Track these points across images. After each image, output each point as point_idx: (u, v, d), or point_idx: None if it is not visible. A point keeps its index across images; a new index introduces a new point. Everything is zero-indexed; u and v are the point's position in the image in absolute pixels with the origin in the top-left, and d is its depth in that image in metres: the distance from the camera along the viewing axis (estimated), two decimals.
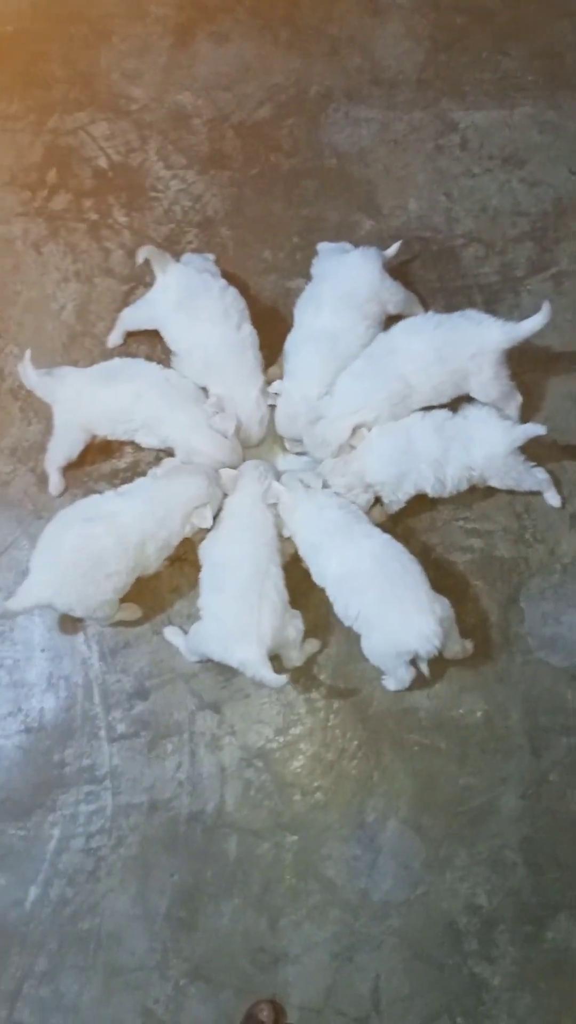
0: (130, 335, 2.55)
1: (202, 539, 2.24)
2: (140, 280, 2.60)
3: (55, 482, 2.40)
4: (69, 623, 2.30)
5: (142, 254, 2.33)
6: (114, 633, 2.30)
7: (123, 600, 2.21)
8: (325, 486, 2.24)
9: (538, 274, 2.63)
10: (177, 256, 2.46)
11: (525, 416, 2.37)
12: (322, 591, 2.15)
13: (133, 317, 2.50)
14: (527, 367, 2.40)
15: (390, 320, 2.40)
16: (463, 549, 2.35)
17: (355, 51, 2.94)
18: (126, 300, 2.60)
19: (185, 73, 2.92)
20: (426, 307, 2.54)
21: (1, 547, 2.38)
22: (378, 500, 2.30)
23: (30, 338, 2.57)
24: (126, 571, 2.13)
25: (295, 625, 2.10)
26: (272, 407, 2.37)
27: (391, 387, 2.25)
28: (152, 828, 2.14)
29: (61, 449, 2.37)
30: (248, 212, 2.73)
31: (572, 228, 2.68)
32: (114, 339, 2.55)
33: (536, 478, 2.30)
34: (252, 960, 2.04)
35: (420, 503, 2.31)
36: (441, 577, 2.26)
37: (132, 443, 2.39)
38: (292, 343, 2.39)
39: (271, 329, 2.41)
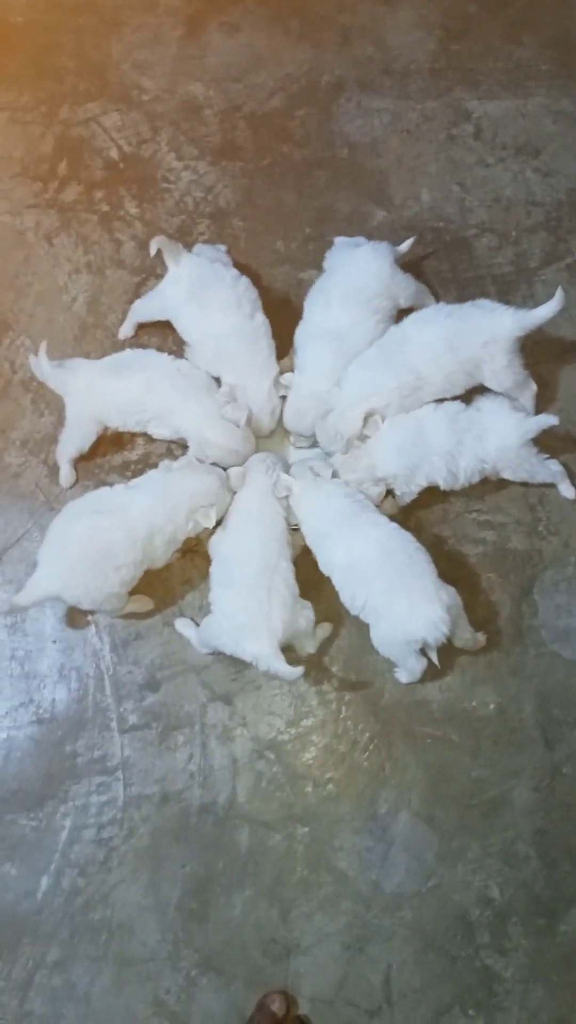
0: (141, 327, 2.55)
1: (210, 535, 2.23)
2: (152, 271, 2.60)
3: (66, 474, 2.40)
4: (80, 615, 2.30)
5: (154, 245, 2.33)
6: (125, 625, 2.30)
7: (134, 592, 2.20)
8: (334, 475, 2.24)
9: (552, 264, 2.61)
10: (189, 247, 2.45)
11: (540, 407, 2.35)
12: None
13: (145, 308, 2.49)
14: (541, 357, 2.39)
15: (402, 313, 2.38)
16: (476, 541, 2.33)
17: (367, 41, 2.92)
18: (138, 291, 2.60)
19: (196, 64, 2.92)
20: (438, 299, 2.52)
21: (12, 539, 2.39)
22: (390, 492, 2.29)
23: (42, 330, 2.57)
24: (134, 564, 2.12)
25: (306, 616, 2.09)
26: (283, 398, 2.36)
27: (402, 378, 2.23)
28: (163, 819, 2.14)
29: (73, 441, 2.37)
30: (260, 203, 2.72)
31: None
32: (125, 331, 2.55)
33: (550, 470, 2.29)
34: (263, 951, 2.04)
35: (432, 495, 2.30)
36: (453, 569, 2.26)
37: (143, 435, 2.39)
38: (301, 337, 2.38)
39: (283, 320, 2.40)
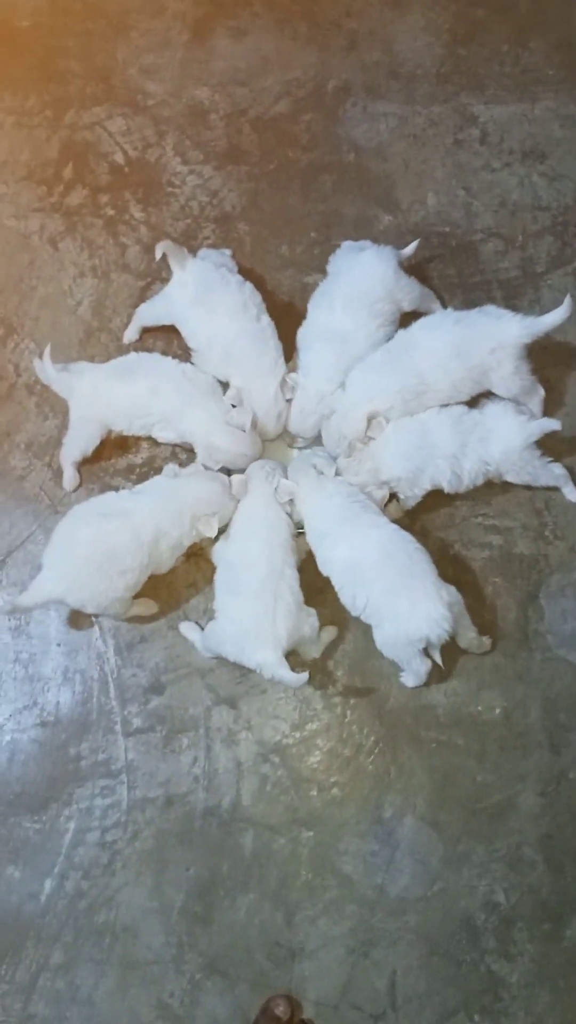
0: (146, 331, 2.55)
1: (213, 542, 2.24)
2: (157, 276, 2.60)
3: (69, 477, 2.40)
4: (84, 618, 2.30)
5: (160, 249, 2.33)
6: (130, 628, 2.30)
7: (139, 595, 2.20)
8: (337, 473, 2.25)
9: (559, 269, 2.61)
10: (194, 251, 2.45)
11: (547, 412, 2.35)
12: None
13: (150, 312, 2.50)
14: (548, 362, 2.39)
15: (407, 316, 2.38)
16: (482, 546, 2.33)
17: (373, 45, 2.92)
18: (142, 296, 2.60)
19: (202, 68, 2.92)
20: (444, 303, 2.52)
21: (17, 541, 2.39)
22: (394, 496, 2.29)
23: (46, 334, 2.57)
24: (139, 568, 2.12)
25: (310, 623, 2.10)
26: (289, 402, 2.36)
27: (406, 381, 2.24)
28: (168, 822, 2.14)
29: (77, 444, 2.37)
30: (265, 207, 2.72)
31: None
32: (130, 335, 2.55)
33: (553, 473, 2.29)
34: (268, 955, 2.04)
35: (438, 500, 2.30)
36: (459, 574, 2.26)
37: (148, 438, 2.39)
38: (304, 338, 2.39)
39: (288, 324, 2.40)
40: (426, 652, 2.08)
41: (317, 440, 2.41)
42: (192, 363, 2.38)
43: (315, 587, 2.15)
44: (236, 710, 2.22)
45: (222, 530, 2.22)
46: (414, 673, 2.12)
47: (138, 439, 2.43)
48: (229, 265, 2.45)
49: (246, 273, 2.44)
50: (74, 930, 2.07)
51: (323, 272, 2.46)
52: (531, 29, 2.91)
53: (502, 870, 2.07)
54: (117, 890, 2.10)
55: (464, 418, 2.24)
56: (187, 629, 2.26)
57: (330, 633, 2.21)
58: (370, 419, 2.24)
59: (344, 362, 2.31)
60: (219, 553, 2.20)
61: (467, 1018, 1.98)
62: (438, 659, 2.08)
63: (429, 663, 2.09)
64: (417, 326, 2.30)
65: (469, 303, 2.48)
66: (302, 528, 2.22)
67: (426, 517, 2.34)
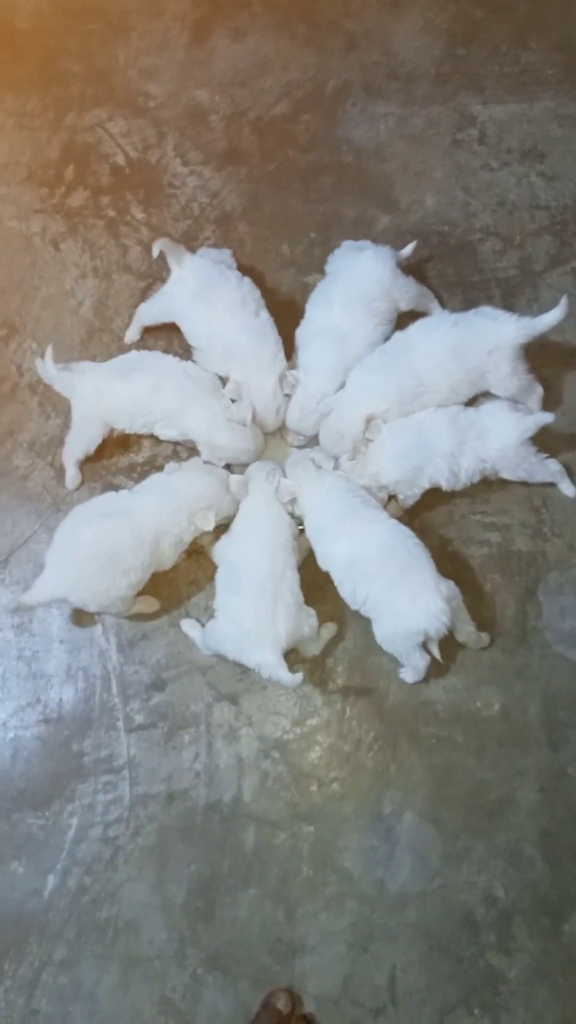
0: (147, 331, 2.56)
1: (213, 540, 2.25)
2: (157, 276, 2.61)
3: (71, 476, 2.42)
4: (87, 615, 2.32)
5: (157, 246, 2.35)
6: (132, 625, 2.31)
7: (141, 593, 2.22)
8: (335, 467, 2.27)
9: (557, 268, 2.62)
10: (195, 252, 2.46)
11: (545, 410, 2.34)
12: None
13: (150, 311, 2.51)
14: (546, 361, 2.39)
15: (404, 316, 2.40)
16: (480, 543, 2.34)
17: (372, 46, 2.94)
18: (143, 296, 2.62)
19: (202, 69, 2.94)
20: (443, 302, 2.54)
21: (20, 540, 2.40)
22: (392, 496, 2.31)
23: (48, 334, 2.59)
24: (142, 567, 2.14)
25: (310, 624, 2.11)
26: (288, 396, 2.37)
27: (404, 383, 2.25)
28: (169, 818, 2.15)
29: (79, 443, 2.38)
30: (265, 208, 2.73)
31: None
32: (131, 335, 2.57)
33: (549, 469, 2.30)
34: (269, 950, 2.05)
35: (437, 497, 2.31)
36: (458, 571, 2.27)
37: (150, 437, 2.41)
38: (302, 337, 2.40)
39: (288, 323, 2.41)
40: (425, 647, 2.09)
41: (316, 440, 2.43)
42: (193, 361, 2.39)
43: (315, 583, 2.17)
44: (237, 706, 2.23)
45: (224, 527, 2.23)
46: (413, 669, 2.14)
47: (139, 438, 2.45)
48: (228, 262, 2.46)
49: (246, 273, 2.45)
50: (77, 926, 2.09)
51: (323, 272, 2.47)
52: (530, 29, 2.92)
53: (501, 866, 2.08)
54: (119, 886, 2.11)
55: (460, 416, 2.25)
56: (188, 626, 2.27)
57: (330, 630, 2.22)
58: (368, 420, 2.26)
59: (342, 360, 2.33)
60: (220, 553, 2.22)
61: (467, 1013, 1.99)
62: (437, 654, 2.09)
63: (428, 659, 2.11)
64: (415, 328, 2.32)
65: (468, 302, 2.50)
66: (302, 525, 2.23)
67: (425, 515, 2.35)
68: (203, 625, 2.22)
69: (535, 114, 2.82)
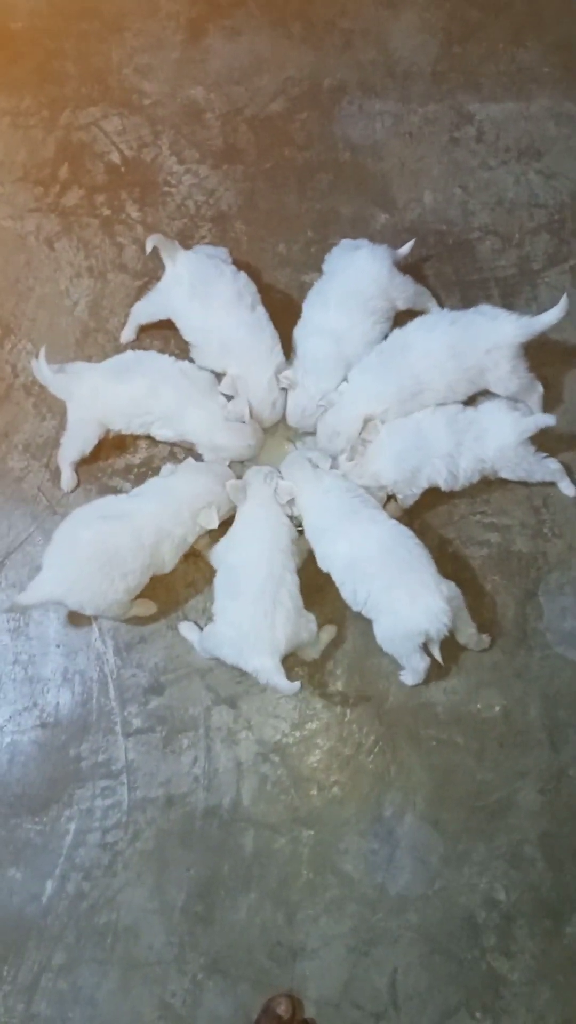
0: (143, 330, 2.55)
1: (210, 544, 2.24)
2: (153, 275, 2.59)
3: (67, 478, 2.40)
4: (83, 619, 2.30)
5: (150, 243, 2.33)
6: (129, 628, 2.30)
7: (138, 596, 2.20)
8: (333, 467, 2.26)
9: (556, 266, 2.61)
10: (190, 250, 2.45)
11: (546, 409, 2.34)
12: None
13: (145, 309, 2.49)
14: (545, 360, 2.39)
15: (402, 315, 2.39)
16: (480, 543, 2.33)
17: (369, 44, 2.92)
18: (139, 295, 2.59)
19: (198, 68, 2.92)
20: (441, 301, 2.53)
21: (15, 543, 2.39)
22: (391, 497, 2.30)
23: (43, 334, 2.57)
24: (140, 570, 2.12)
25: (309, 628, 2.10)
26: (284, 391, 2.36)
27: (402, 382, 2.24)
28: (168, 822, 2.14)
29: (75, 444, 2.36)
30: (262, 206, 2.72)
31: None
32: (127, 334, 2.55)
33: (548, 468, 2.29)
34: (269, 954, 2.04)
35: (437, 498, 2.30)
36: (458, 572, 2.26)
37: (146, 438, 2.39)
38: (299, 336, 2.39)
39: (285, 322, 2.40)
40: (426, 649, 2.08)
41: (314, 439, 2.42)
42: (190, 359, 2.38)
43: (315, 585, 2.15)
44: (236, 710, 2.22)
45: (221, 529, 2.22)
46: (413, 670, 2.12)
47: (136, 439, 2.43)
48: (222, 257, 2.45)
49: (243, 271, 2.43)
50: (76, 931, 2.07)
51: (320, 271, 2.46)
52: (527, 28, 2.91)
53: (502, 868, 2.07)
54: (118, 891, 2.10)
55: (459, 416, 2.24)
56: (186, 629, 2.25)
57: (329, 632, 2.21)
58: (366, 421, 2.25)
59: (340, 359, 2.32)
60: (219, 556, 2.20)
61: (468, 1016, 1.98)
62: (437, 656, 2.08)
63: (428, 661, 2.09)
64: (412, 327, 2.30)
65: (466, 301, 2.49)
66: (301, 527, 2.22)
67: (425, 515, 2.34)
68: (201, 628, 2.20)
69: (532, 112, 2.81)
